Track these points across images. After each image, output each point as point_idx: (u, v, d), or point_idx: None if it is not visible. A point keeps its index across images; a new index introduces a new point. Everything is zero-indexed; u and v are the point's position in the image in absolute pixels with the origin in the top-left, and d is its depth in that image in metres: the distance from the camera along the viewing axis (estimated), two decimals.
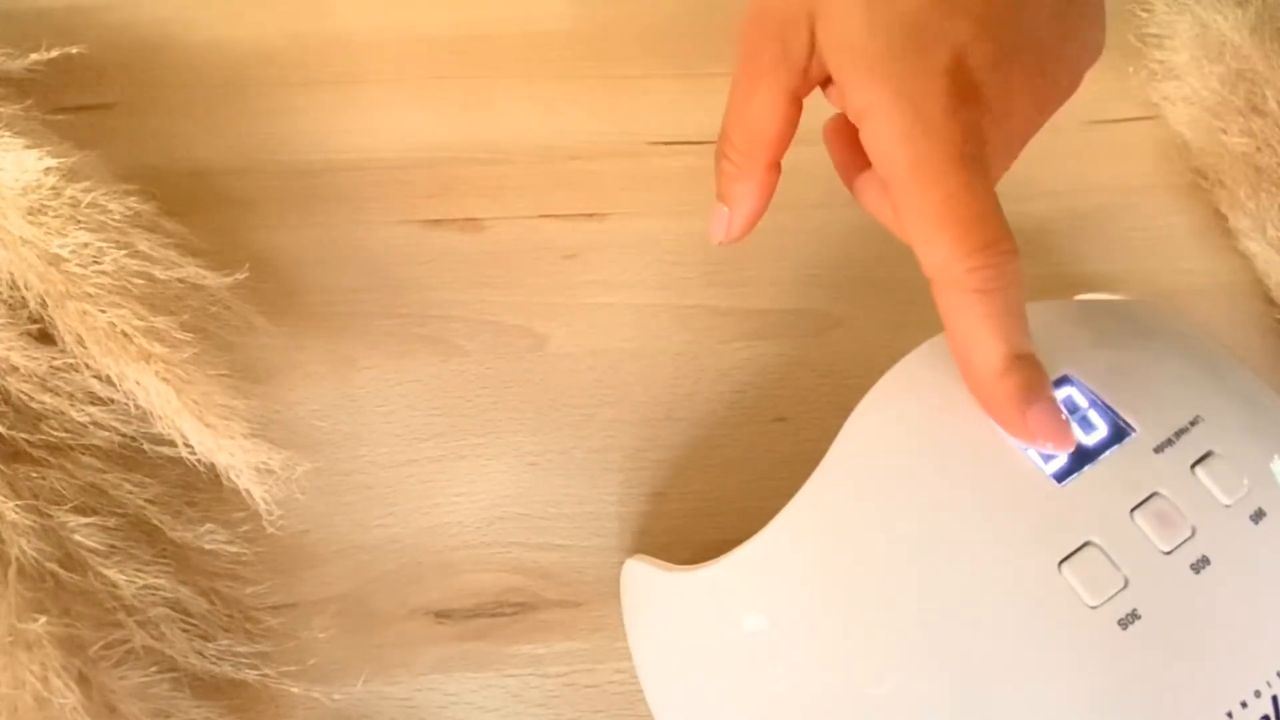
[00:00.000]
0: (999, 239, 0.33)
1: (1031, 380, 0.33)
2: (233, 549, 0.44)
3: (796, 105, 0.38)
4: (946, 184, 0.33)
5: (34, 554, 0.40)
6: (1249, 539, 0.33)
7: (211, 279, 0.47)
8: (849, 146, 0.39)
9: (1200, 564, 0.32)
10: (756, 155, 0.39)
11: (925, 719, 0.32)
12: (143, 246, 0.46)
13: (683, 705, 0.40)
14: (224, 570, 0.45)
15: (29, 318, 0.45)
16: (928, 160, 0.33)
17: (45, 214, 0.45)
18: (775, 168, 0.39)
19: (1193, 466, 0.34)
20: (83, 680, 0.38)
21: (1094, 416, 0.35)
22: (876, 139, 0.34)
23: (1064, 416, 0.34)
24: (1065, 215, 0.57)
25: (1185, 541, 0.32)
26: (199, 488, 0.46)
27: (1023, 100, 0.35)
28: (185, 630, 0.42)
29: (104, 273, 0.44)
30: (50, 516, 0.42)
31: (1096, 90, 0.61)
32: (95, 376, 0.45)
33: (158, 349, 0.44)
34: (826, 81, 0.38)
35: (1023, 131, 0.37)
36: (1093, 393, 0.35)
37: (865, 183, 0.39)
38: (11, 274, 0.45)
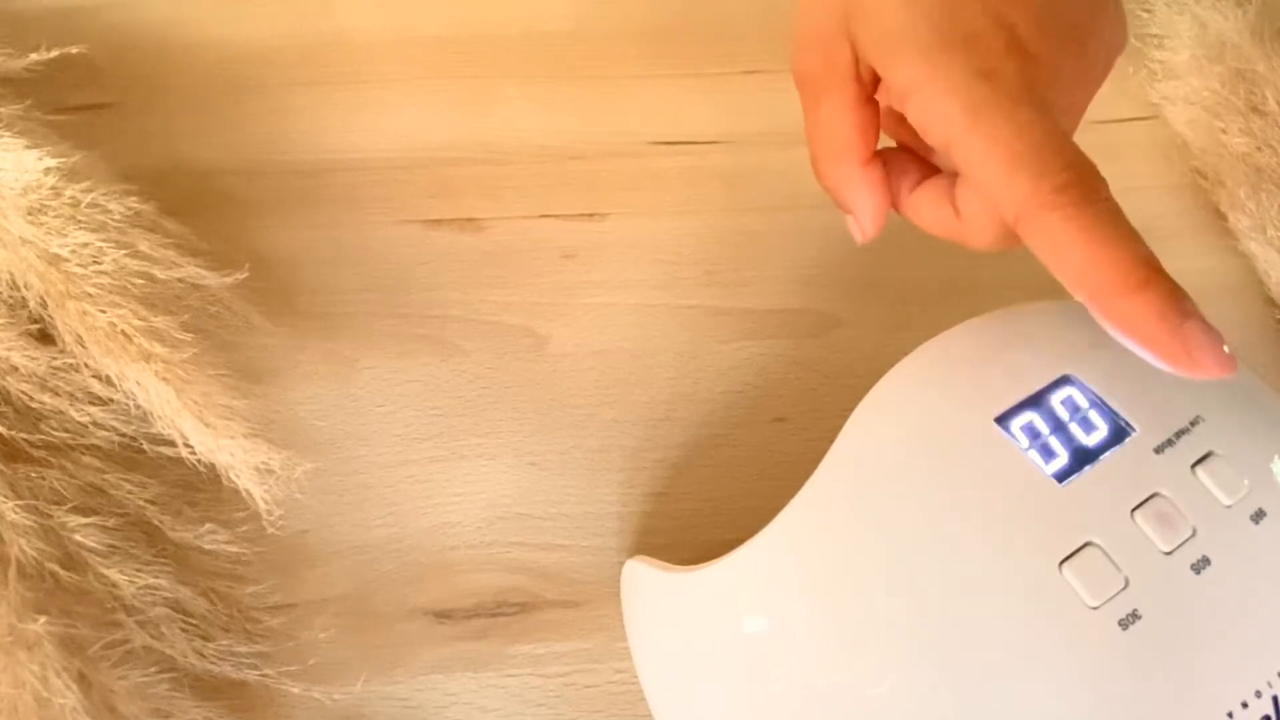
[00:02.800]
0: (1080, 160, 0.32)
1: (1175, 291, 0.31)
2: (233, 549, 0.44)
3: (865, 108, 0.38)
4: (1014, 118, 0.32)
5: (34, 554, 0.40)
6: (1249, 539, 0.33)
7: (211, 279, 0.47)
8: (896, 160, 0.40)
9: (1201, 564, 0.32)
10: (847, 163, 0.39)
11: None
12: (143, 246, 0.46)
13: (683, 706, 0.40)
14: (224, 570, 0.44)
15: (29, 318, 0.45)
16: (987, 102, 0.33)
17: (45, 214, 0.45)
18: (870, 163, 0.39)
19: (1193, 467, 0.34)
20: (83, 680, 0.38)
21: (1094, 417, 0.35)
22: (927, 103, 0.34)
23: (1221, 335, 0.31)
24: None
25: (1186, 542, 0.33)
26: (199, 488, 0.46)
27: (1070, 65, 0.35)
28: (185, 630, 0.42)
29: (104, 273, 0.44)
30: (50, 516, 0.42)
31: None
32: (95, 376, 0.45)
33: (158, 349, 0.44)
34: (878, 82, 0.38)
35: (1073, 100, 0.36)
36: (1093, 393, 0.35)
37: (920, 196, 0.39)
38: (11, 274, 0.45)
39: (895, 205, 0.40)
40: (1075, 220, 0.31)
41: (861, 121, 0.38)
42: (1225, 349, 0.30)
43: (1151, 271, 0.31)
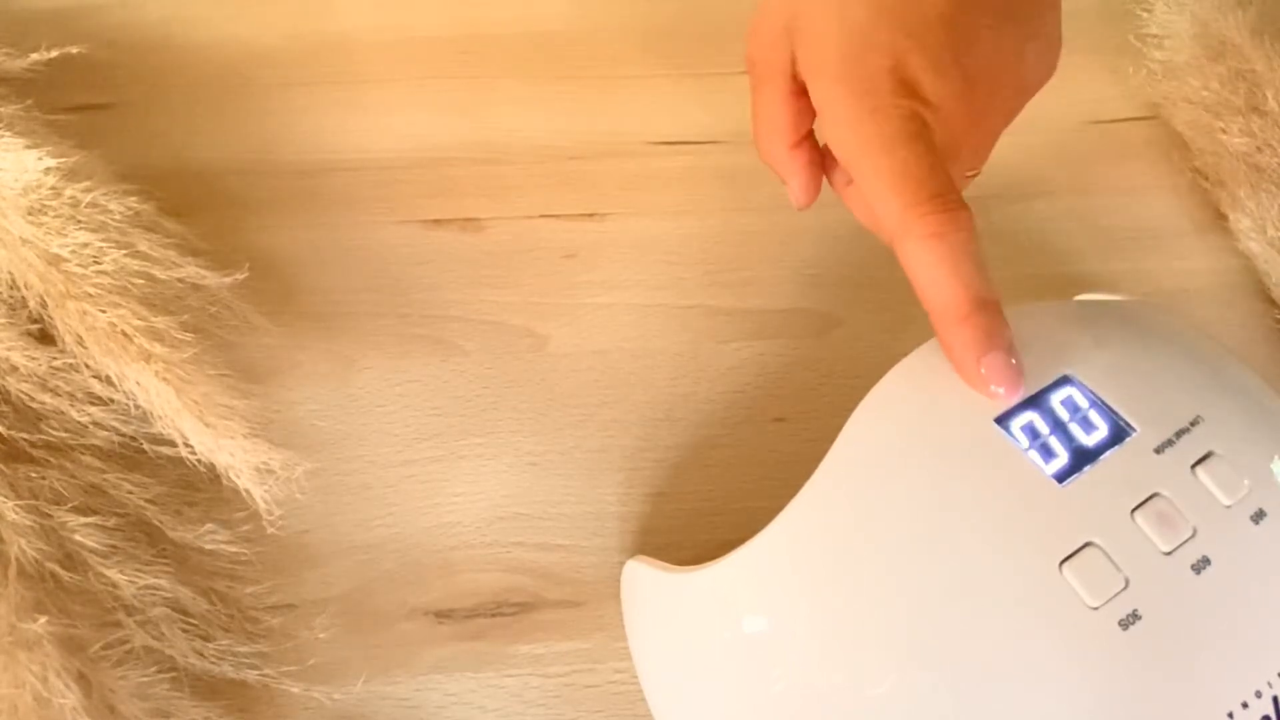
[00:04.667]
0: (947, 191, 0.36)
1: (989, 326, 0.35)
2: (233, 549, 0.44)
3: (797, 99, 0.43)
4: (894, 153, 0.37)
5: (34, 554, 0.40)
6: (1249, 539, 0.33)
7: (211, 279, 0.47)
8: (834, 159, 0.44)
9: (1201, 564, 0.32)
10: (778, 143, 0.44)
11: None
12: (143, 246, 0.46)
13: (683, 706, 0.40)
14: (224, 570, 0.44)
15: (29, 318, 0.45)
16: (875, 138, 0.37)
17: (45, 214, 0.45)
18: (800, 145, 0.44)
19: (1193, 467, 0.34)
20: (83, 680, 0.38)
21: (1094, 417, 0.35)
22: (832, 126, 0.39)
23: (1016, 364, 0.35)
24: (1065, 215, 0.57)
25: (1186, 542, 0.32)
26: (199, 488, 0.46)
27: (961, 105, 0.39)
28: (185, 630, 0.42)
29: (104, 273, 0.44)
30: (50, 516, 0.42)
31: (1096, 90, 0.62)
32: (95, 376, 0.45)
33: (158, 349, 0.44)
34: None
35: (968, 135, 0.40)
36: (1093, 393, 0.35)
37: (853, 191, 0.43)
38: (11, 274, 0.45)
39: (839, 197, 0.45)
40: (927, 253, 0.36)
41: (793, 111, 0.43)
42: (1018, 381, 0.35)
43: (975, 307, 0.35)
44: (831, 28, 0.39)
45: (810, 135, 0.44)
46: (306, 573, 0.45)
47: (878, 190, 0.37)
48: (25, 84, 0.52)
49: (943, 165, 0.37)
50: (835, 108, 0.39)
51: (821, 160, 0.45)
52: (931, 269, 0.36)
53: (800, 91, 0.42)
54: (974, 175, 0.44)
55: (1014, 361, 0.35)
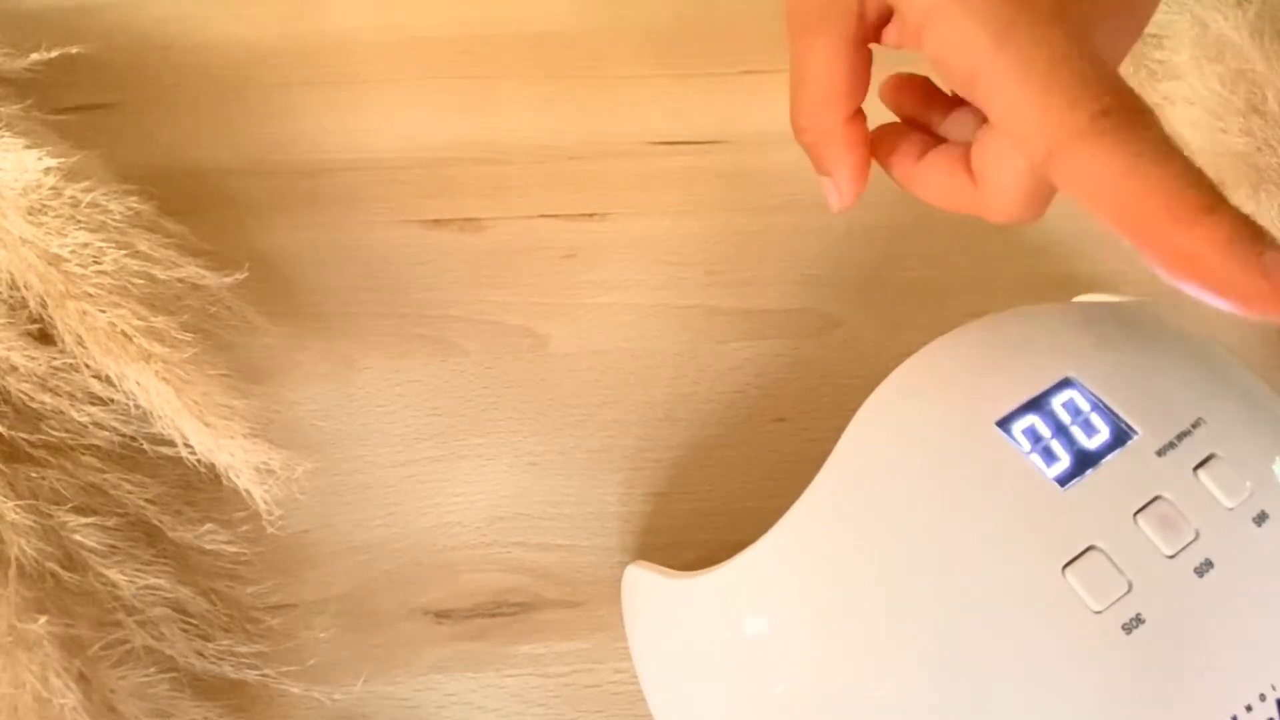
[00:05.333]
0: (1124, 86, 0.28)
1: (1244, 218, 0.27)
2: (233, 549, 0.44)
3: (861, 53, 0.35)
4: (1047, 41, 0.28)
5: (34, 554, 0.40)
6: (1252, 542, 0.33)
7: (211, 279, 0.47)
8: (898, 133, 0.37)
9: (1204, 567, 0.32)
10: (830, 113, 0.36)
11: None
12: (143, 246, 0.46)
13: (685, 711, 0.40)
14: (224, 570, 0.45)
15: (29, 318, 0.45)
16: (1016, 24, 0.29)
17: (45, 214, 0.45)
18: (856, 118, 0.36)
19: (1195, 469, 0.34)
20: (83, 680, 0.38)
21: (1096, 420, 0.35)
22: (949, 29, 0.30)
23: None
24: (1065, 215, 0.57)
25: (1189, 545, 0.32)
26: (199, 488, 0.46)
27: None
28: (185, 630, 0.42)
29: (104, 273, 0.44)
30: (50, 516, 0.42)
31: None
32: (95, 376, 0.45)
33: (158, 349, 0.44)
34: (885, 23, 0.35)
35: (1115, 40, 0.32)
36: (1094, 396, 0.35)
37: (929, 165, 0.36)
38: (11, 274, 0.45)
39: (901, 180, 0.37)
40: (1119, 149, 0.27)
41: (856, 64, 0.35)
42: None
43: (1215, 197, 0.27)
44: None
45: (863, 112, 0.36)
46: (306, 573, 0.45)
47: (1029, 94, 0.28)
48: (25, 84, 0.52)
49: (1106, 62, 0.29)
50: (949, 5, 0.29)
51: (869, 141, 0.37)
52: (1130, 172, 0.27)
53: (864, 42, 0.35)
54: None
55: None
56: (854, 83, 0.35)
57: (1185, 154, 0.27)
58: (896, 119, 0.39)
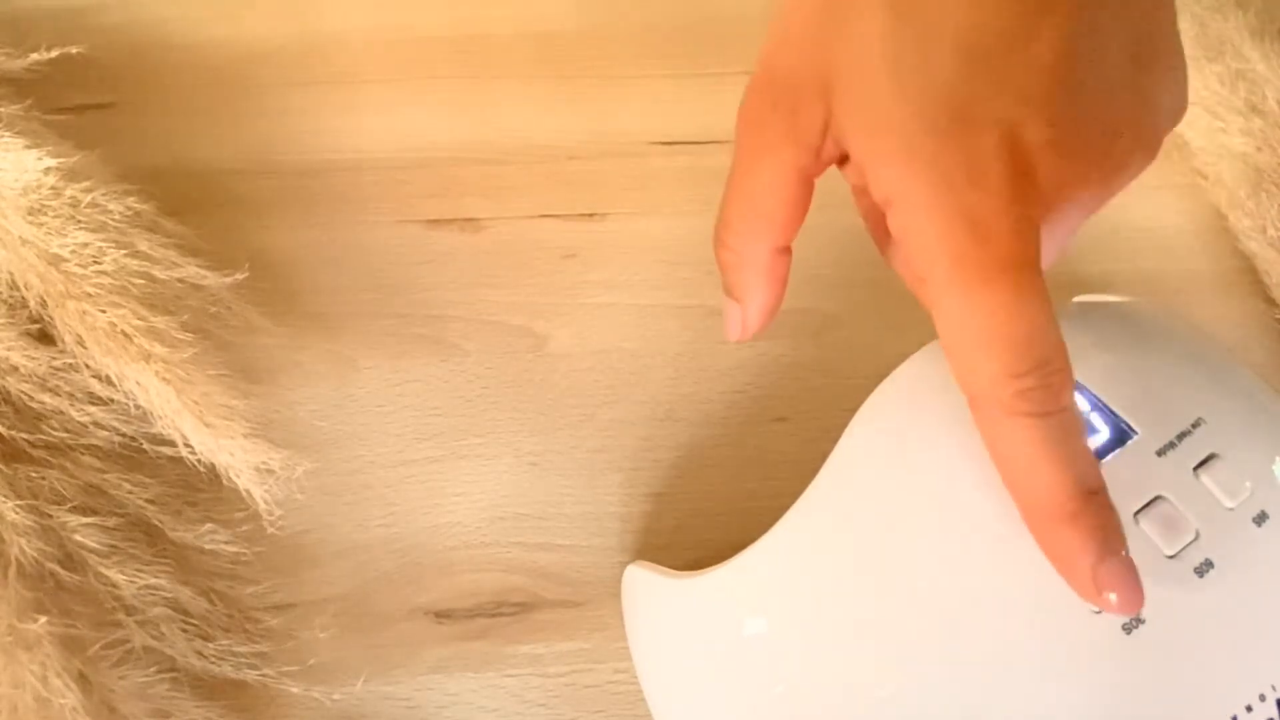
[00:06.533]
0: (1053, 357, 0.29)
1: (1104, 525, 0.29)
2: (233, 549, 0.44)
3: (806, 187, 0.34)
4: (995, 294, 0.28)
5: (34, 554, 0.40)
6: (1252, 542, 0.33)
7: (211, 279, 0.47)
8: (879, 215, 0.34)
9: (1204, 568, 0.32)
10: (760, 240, 0.35)
11: None
12: (143, 246, 0.46)
13: (685, 711, 0.40)
14: (224, 570, 0.44)
15: (29, 318, 0.45)
16: (974, 266, 0.28)
17: (45, 214, 0.45)
18: (785, 252, 0.35)
19: (1195, 469, 0.34)
20: (83, 680, 0.38)
21: (1096, 420, 0.35)
22: (911, 232, 0.30)
23: (1134, 569, 0.29)
24: None
25: (1189, 545, 0.32)
26: (199, 488, 0.46)
27: (1084, 186, 0.31)
28: (185, 630, 0.42)
29: (104, 273, 0.44)
30: (50, 516, 0.42)
31: None
32: (95, 376, 0.45)
33: (158, 349, 0.44)
34: (843, 160, 0.34)
35: (1081, 217, 0.32)
36: (1094, 396, 0.35)
37: (897, 252, 0.36)
38: (11, 274, 0.45)
39: (881, 250, 0.37)
40: (1025, 433, 0.29)
41: (798, 202, 0.34)
42: (1140, 593, 0.29)
43: (1083, 503, 0.29)
44: (905, 86, 0.29)
45: (790, 248, 0.35)
46: (306, 573, 0.45)
47: (961, 341, 0.29)
48: (25, 84, 0.52)
49: (1052, 311, 0.29)
50: (914, 205, 0.29)
51: (787, 278, 0.36)
52: (1031, 456, 0.29)
53: (814, 177, 0.33)
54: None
55: (1133, 567, 0.29)
56: (792, 214, 0.34)
57: (1078, 442, 0.29)
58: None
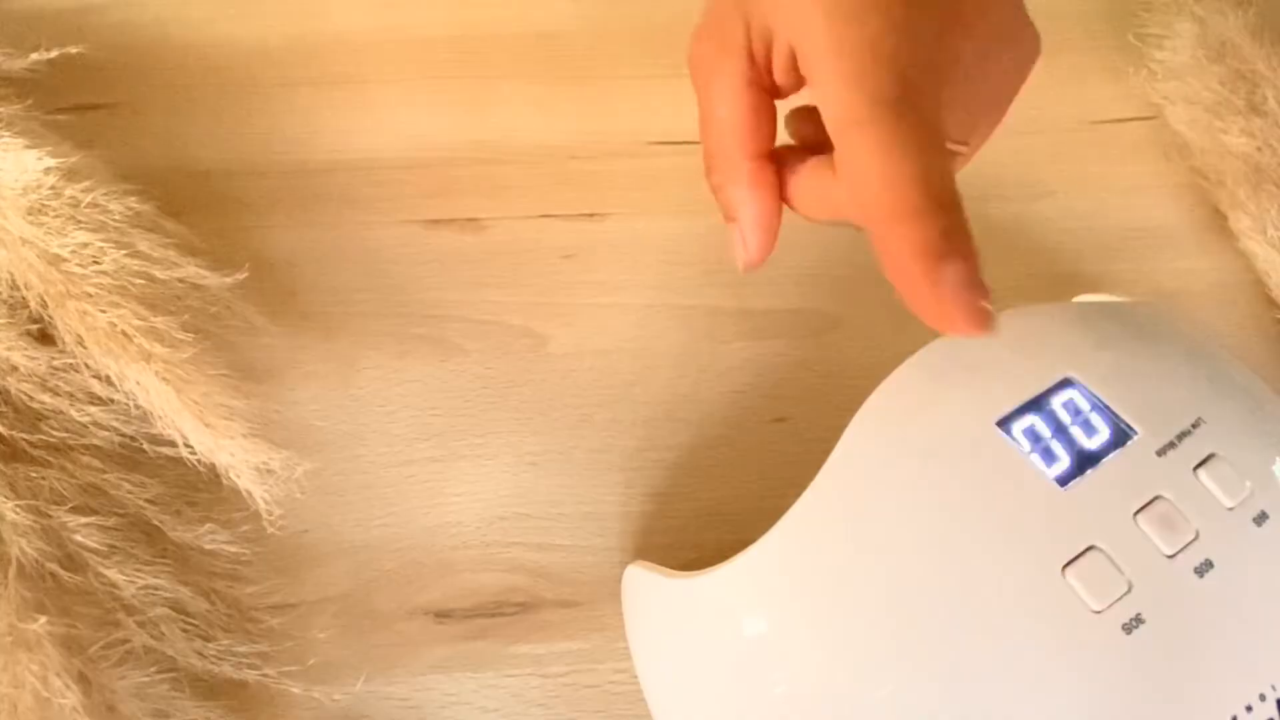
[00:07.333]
0: (913, 81, 0.30)
1: (946, 228, 0.28)
2: (233, 549, 0.44)
3: (758, 92, 0.35)
4: (864, 27, 0.30)
5: (34, 554, 0.40)
6: (1252, 542, 0.33)
7: (211, 279, 0.47)
8: (791, 154, 0.37)
9: (1204, 567, 0.32)
10: (734, 153, 0.36)
11: None
12: (143, 246, 0.46)
13: (685, 711, 0.40)
14: (224, 570, 0.44)
15: (29, 318, 0.45)
16: (841, 15, 0.31)
17: (45, 214, 0.45)
18: (764, 160, 0.36)
19: (1195, 469, 0.34)
20: (83, 680, 0.38)
21: (1096, 420, 0.35)
22: (794, 12, 0.32)
23: (984, 288, 0.28)
24: (1065, 215, 0.57)
25: (1189, 545, 0.32)
26: (199, 488, 0.46)
27: (953, 39, 0.33)
28: (185, 630, 0.42)
29: (104, 273, 0.44)
30: (50, 516, 0.42)
31: (1096, 90, 0.62)
32: (95, 376, 0.45)
33: (158, 349, 0.44)
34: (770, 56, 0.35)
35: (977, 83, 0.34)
36: (1094, 395, 0.35)
37: (804, 173, 0.36)
38: (11, 274, 0.45)
39: (786, 198, 0.37)
40: (877, 134, 0.29)
41: (755, 104, 0.35)
42: (985, 304, 0.28)
43: (928, 201, 0.28)
44: None
45: (773, 154, 0.36)
46: (306, 573, 0.45)
47: (831, 76, 0.30)
48: (25, 84, 0.52)
49: (917, 60, 0.30)
50: (815, 40, 0.31)
51: (781, 185, 0.36)
52: (875, 157, 0.28)
53: (760, 83, 0.35)
54: (963, 155, 0.36)
55: (980, 281, 0.28)
56: (755, 121, 0.35)
57: (936, 152, 0.29)
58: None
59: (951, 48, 0.33)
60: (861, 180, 0.29)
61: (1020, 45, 0.35)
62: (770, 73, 0.35)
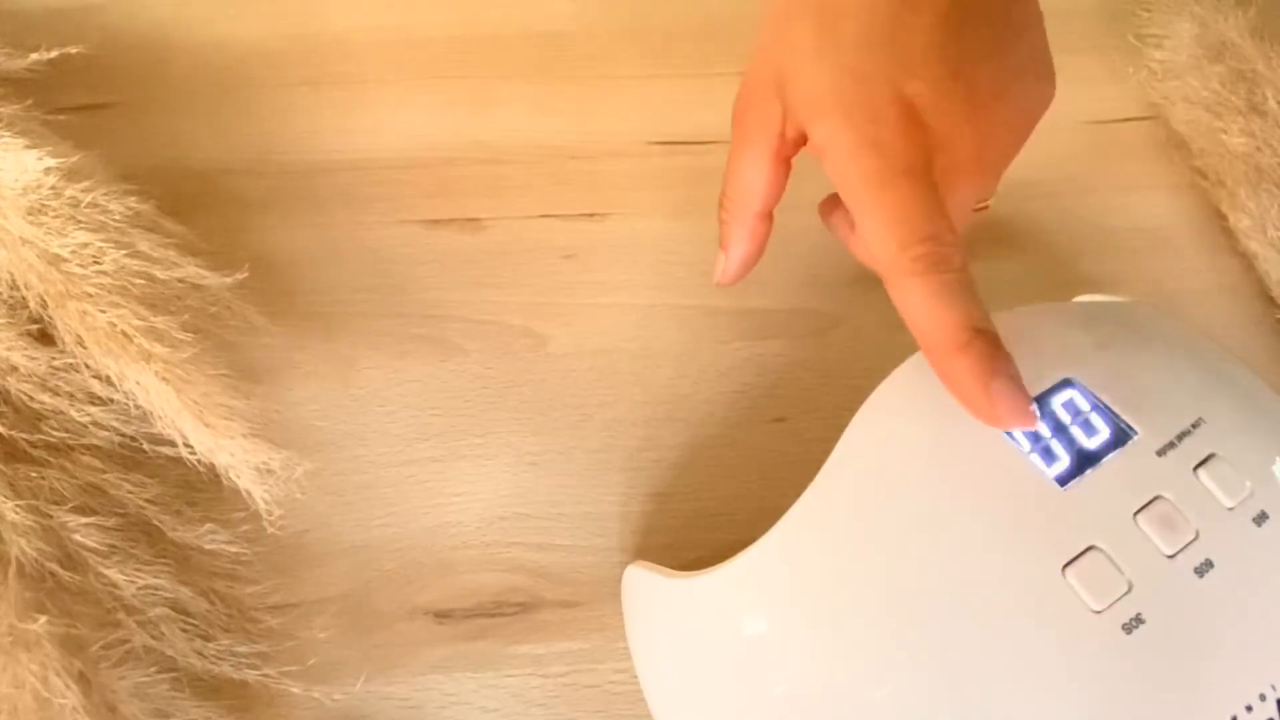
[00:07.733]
0: (942, 233, 0.36)
1: (992, 353, 0.34)
2: (233, 549, 0.44)
3: (780, 163, 0.43)
4: (894, 190, 0.37)
5: (34, 554, 0.40)
6: (1252, 541, 0.33)
7: (211, 279, 0.47)
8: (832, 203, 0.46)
9: (1204, 567, 0.32)
10: (747, 207, 0.44)
11: None
12: (143, 246, 0.46)
13: (685, 711, 0.40)
14: (224, 570, 0.44)
15: (29, 318, 0.45)
16: (875, 172, 0.37)
17: (45, 214, 0.45)
18: (766, 218, 0.45)
19: (1195, 469, 0.34)
20: (83, 680, 0.38)
21: (1096, 420, 0.35)
22: (833, 161, 0.38)
23: (1024, 391, 0.34)
24: (1065, 215, 0.57)
25: (1189, 545, 0.32)
26: (199, 488, 0.46)
27: (964, 130, 0.39)
28: (185, 630, 0.42)
29: (104, 273, 0.44)
30: (50, 516, 0.42)
31: (1096, 90, 0.62)
32: (95, 376, 0.45)
33: (158, 349, 0.44)
34: (802, 143, 0.42)
35: (973, 164, 0.40)
36: (1094, 396, 0.35)
37: (835, 219, 0.45)
38: (11, 274, 0.45)
39: (842, 240, 0.45)
40: (920, 289, 0.35)
41: (774, 177, 0.43)
42: (1030, 407, 0.34)
43: (974, 335, 0.35)
44: (824, 68, 0.39)
45: (771, 214, 0.45)
46: (306, 573, 0.45)
47: (874, 228, 0.37)
48: (25, 84, 0.52)
49: (942, 207, 0.37)
50: (833, 141, 0.38)
51: (766, 239, 0.45)
52: (924, 302, 0.35)
53: (785, 157, 0.43)
54: (984, 208, 0.43)
55: (1023, 387, 0.34)
56: (769, 188, 0.44)
57: (970, 296, 0.35)
58: None
59: (985, 69, 0.39)
60: (914, 320, 0.36)
61: (1041, 84, 0.41)
62: (795, 146, 0.42)
